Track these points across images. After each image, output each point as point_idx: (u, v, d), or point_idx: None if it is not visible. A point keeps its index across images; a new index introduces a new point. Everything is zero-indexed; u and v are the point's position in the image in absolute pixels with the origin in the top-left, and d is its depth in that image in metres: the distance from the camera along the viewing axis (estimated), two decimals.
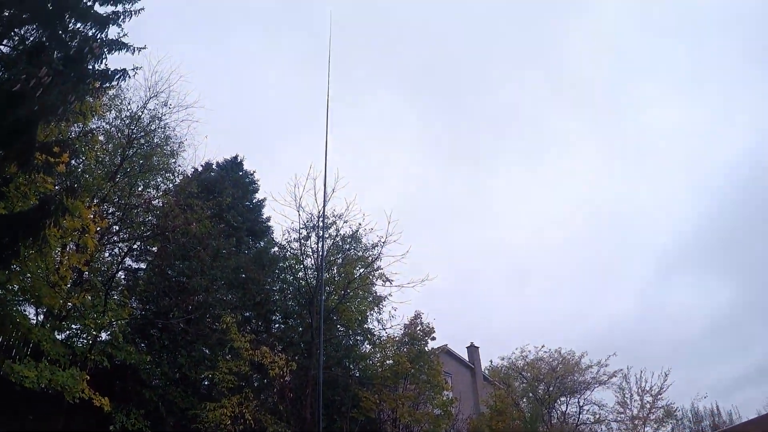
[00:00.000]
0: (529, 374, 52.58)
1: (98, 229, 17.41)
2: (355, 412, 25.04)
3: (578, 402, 53.34)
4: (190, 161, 25.35)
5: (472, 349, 48.68)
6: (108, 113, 21.02)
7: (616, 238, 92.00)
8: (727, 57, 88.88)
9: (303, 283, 26.83)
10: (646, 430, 48.10)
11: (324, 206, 23.85)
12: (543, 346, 55.51)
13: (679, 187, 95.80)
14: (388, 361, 27.81)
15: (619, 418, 50.47)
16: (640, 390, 47.93)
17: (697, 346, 73.30)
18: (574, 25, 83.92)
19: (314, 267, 26.09)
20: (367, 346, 29.53)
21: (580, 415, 53.40)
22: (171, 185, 23.89)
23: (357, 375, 28.11)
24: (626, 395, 49.13)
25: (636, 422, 47.72)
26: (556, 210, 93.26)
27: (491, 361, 55.20)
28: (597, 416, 53.19)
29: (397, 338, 28.18)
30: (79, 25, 14.46)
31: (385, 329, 29.18)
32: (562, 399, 52.98)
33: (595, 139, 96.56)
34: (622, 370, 50.16)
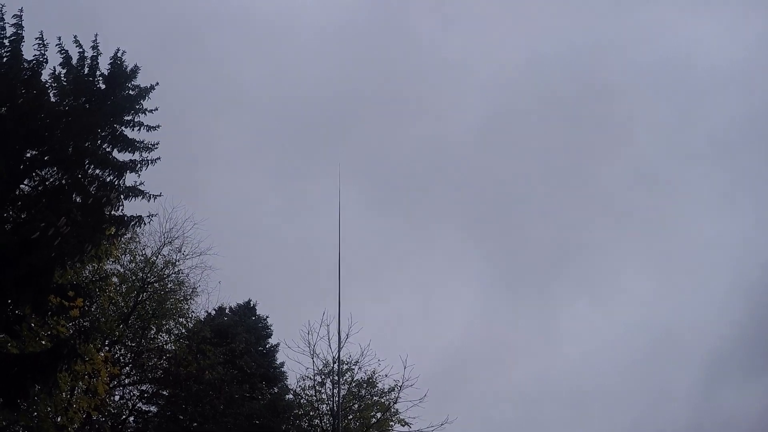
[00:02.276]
0: None
1: (109, 373, 17.22)
2: None
3: None
4: (203, 306, 25.41)
5: None
6: (123, 256, 21.33)
7: (666, 351, 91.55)
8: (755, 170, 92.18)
9: (318, 430, 26.09)
10: None
11: (339, 352, 23.55)
12: None
13: (721, 291, 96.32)
14: None
15: None
16: None
17: None
18: (613, 152, 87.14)
19: (330, 413, 25.43)
20: None
21: None
22: (184, 330, 23.85)
23: None
24: None
25: None
26: (612, 331, 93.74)
27: None
28: None
29: None
30: (98, 170, 14.93)
31: None
32: None
33: (642, 258, 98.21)
34: None
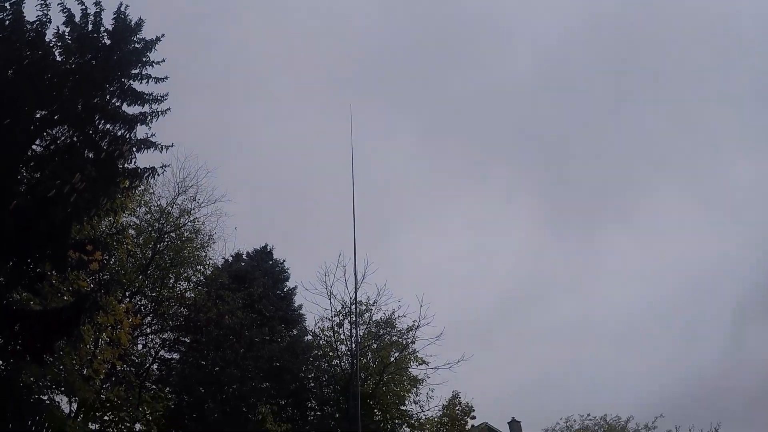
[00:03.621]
0: None
1: (131, 323, 17.54)
2: None
3: None
4: (220, 252, 25.65)
5: (514, 424, 47.34)
6: (138, 209, 21.49)
7: (699, 292, 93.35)
8: None
9: (338, 370, 26.60)
10: None
11: (356, 293, 23.84)
12: (588, 415, 54.01)
13: (755, 235, 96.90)
14: None
15: None
16: None
17: None
18: (655, 96, 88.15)
19: (349, 353, 25.92)
20: (406, 429, 28.94)
21: None
22: (202, 277, 24.13)
23: None
24: None
25: None
26: (649, 270, 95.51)
27: None
28: None
29: (436, 419, 27.64)
30: (108, 125, 14.97)
31: (423, 411, 28.73)
32: None
33: (682, 200, 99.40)
34: (670, 430, 48.44)
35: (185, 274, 23.38)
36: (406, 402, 28.37)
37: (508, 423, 48.07)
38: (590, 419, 51.11)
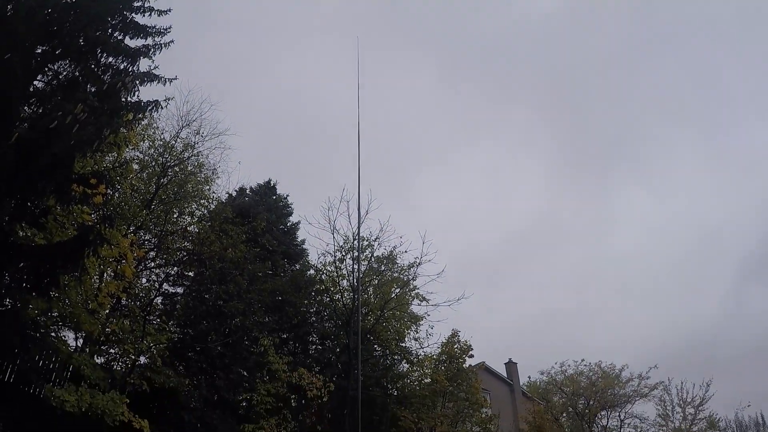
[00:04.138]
0: (568, 389, 51.95)
1: (135, 256, 17.67)
2: (393, 431, 25.03)
3: (619, 416, 52.43)
4: (223, 187, 25.60)
5: (511, 366, 48.24)
6: (142, 143, 21.39)
7: (706, 248, 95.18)
8: None
9: (339, 304, 26.93)
10: None
11: (359, 227, 23.98)
12: (582, 360, 54.66)
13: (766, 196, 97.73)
14: (426, 380, 27.79)
15: (661, 431, 49.54)
16: (681, 402, 47.07)
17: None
18: (677, 50, 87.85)
19: (350, 288, 26.19)
20: (405, 365, 29.50)
21: (622, 429, 52.58)
22: (206, 211, 24.18)
23: (395, 394, 28.07)
24: (668, 407, 48.16)
25: None
26: (660, 222, 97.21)
27: (530, 377, 54.84)
28: (639, 430, 52.22)
29: (434, 357, 28.15)
30: (110, 59, 14.79)
31: (422, 348, 29.24)
32: (603, 413, 52.10)
33: (697, 155, 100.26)
34: (663, 382, 49.23)
35: (189, 209, 23.40)
36: (406, 339, 28.86)
37: (505, 364, 48.96)
38: (584, 365, 51.88)
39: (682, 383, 47.71)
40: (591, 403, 50.49)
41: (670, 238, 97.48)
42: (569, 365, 52.92)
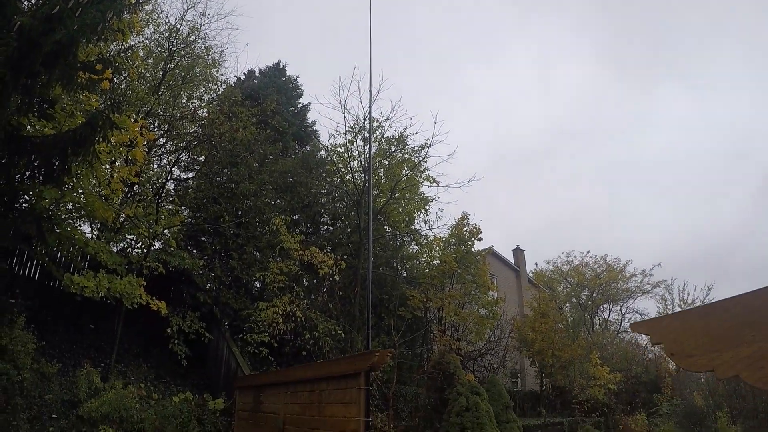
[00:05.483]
0: (573, 279, 52.94)
1: (146, 142, 17.64)
2: (402, 310, 25.64)
3: (621, 310, 53.91)
4: (232, 70, 25.49)
5: (518, 252, 48.88)
6: (146, 28, 20.98)
7: (738, 154, 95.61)
8: None
9: (350, 185, 27.04)
10: None
11: (370, 106, 23.79)
12: (588, 252, 55.55)
13: None
14: (434, 261, 28.25)
15: None
16: (681, 302, 48.10)
17: None
18: None
19: (361, 169, 26.21)
20: (414, 246, 29.91)
21: (622, 323, 53.98)
22: (214, 95, 24.04)
23: (404, 275, 28.60)
24: (668, 306, 49.32)
25: None
26: (695, 124, 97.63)
27: (536, 264, 55.76)
28: None
29: (443, 239, 28.48)
30: None
31: (431, 230, 29.60)
32: (605, 306, 53.53)
33: (737, 61, 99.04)
34: (665, 280, 50.21)
35: (197, 93, 23.22)
36: (416, 221, 29.14)
37: (513, 250, 49.58)
38: (590, 257, 52.78)
39: (684, 284, 48.58)
40: (594, 295, 51.70)
41: (704, 140, 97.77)
42: (575, 256, 53.88)
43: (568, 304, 50.97)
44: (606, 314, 54.01)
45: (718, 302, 3.32)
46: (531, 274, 51.37)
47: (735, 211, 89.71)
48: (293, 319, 20.89)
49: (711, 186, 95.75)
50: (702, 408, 32.18)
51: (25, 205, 14.32)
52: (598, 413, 33.48)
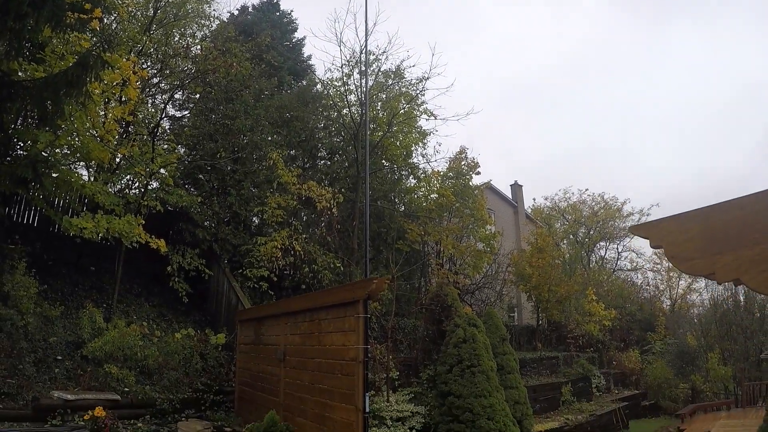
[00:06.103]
0: (570, 216, 53.12)
1: (138, 81, 17.40)
2: (400, 243, 25.79)
3: (617, 248, 54.30)
4: (224, 6, 25.10)
5: (516, 188, 48.88)
6: None
7: (747, 101, 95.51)
8: None
9: (347, 119, 26.79)
10: (680, 282, 48.88)
11: (366, 38, 23.31)
12: (587, 190, 55.68)
13: None
14: (432, 195, 28.22)
15: (655, 268, 51.31)
16: None
17: None
18: None
19: (358, 103, 25.91)
20: (412, 180, 29.84)
21: (618, 261, 54.43)
22: (207, 32, 23.69)
23: (402, 208, 28.64)
24: None
25: (671, 274, 48.45)
26: (707, 65, 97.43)
27: (534, 200, 55.88)
28: (634, 264, 54.15)
29: (441, 172, 28.40)
30: None
31: (429, 163, 29.56)
32: (602, 244, 53.90)
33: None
34: None
35: (190, 30, 22.82)
36: (414, 155, 29.02)
37: (511, 186, 49.58)
38: (588, 194, 52.87)
39: None
40: (591, 232, 51.98)
41: (714, 86, 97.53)
42: (573, 193, 53.92)
43: (565, 241, 51.20)
44: (603, 252, 54.44)
45: (718, 204, 3.27)
46: (529, 210, 51.50)
47: (740, 158, 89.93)
48: (292, 253, 21.05)
49: (718, 131, 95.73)
50: (694, 348, 32.86)
51: (21, 152, 14.30)
52: (592, 349, 34.09)
